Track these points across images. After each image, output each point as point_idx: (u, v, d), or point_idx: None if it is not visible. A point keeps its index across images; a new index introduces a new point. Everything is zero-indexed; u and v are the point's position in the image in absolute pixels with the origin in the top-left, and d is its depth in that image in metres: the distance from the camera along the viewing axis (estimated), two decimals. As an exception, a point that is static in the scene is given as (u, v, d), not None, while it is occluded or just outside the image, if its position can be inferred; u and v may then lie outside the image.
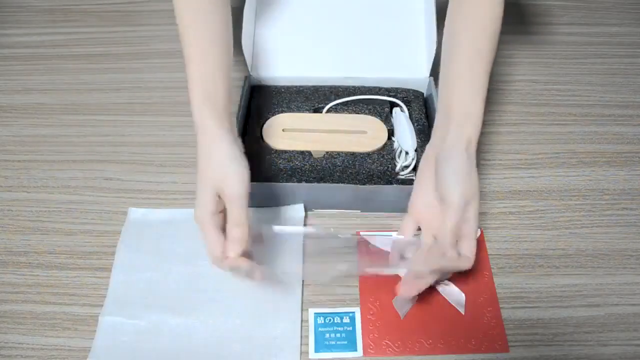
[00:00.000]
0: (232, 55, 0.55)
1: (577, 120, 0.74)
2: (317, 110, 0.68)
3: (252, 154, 0.63)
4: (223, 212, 0.49)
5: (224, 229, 0.48)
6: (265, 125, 0.65)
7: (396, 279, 0.57)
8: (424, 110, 0.67)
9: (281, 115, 0.66)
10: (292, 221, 0.61)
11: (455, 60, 0.54)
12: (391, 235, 0.55)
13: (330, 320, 0.54)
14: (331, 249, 0.58)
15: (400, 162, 0.62)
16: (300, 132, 0.64)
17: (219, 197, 0.48)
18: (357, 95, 0.69)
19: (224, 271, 0.50)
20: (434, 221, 0.50)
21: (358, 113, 0.67)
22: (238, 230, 0.47)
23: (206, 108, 0.49)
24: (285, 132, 0.64)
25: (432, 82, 0.67)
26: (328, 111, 0.68)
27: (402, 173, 0.62)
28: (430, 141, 0.54)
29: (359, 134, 0.64)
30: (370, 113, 0.66)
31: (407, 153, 0.62)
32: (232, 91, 0.53)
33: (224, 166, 0.48)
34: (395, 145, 0.64)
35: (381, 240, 0.59)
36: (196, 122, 0.50)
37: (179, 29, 0.52)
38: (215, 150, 0.49)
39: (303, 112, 0.67)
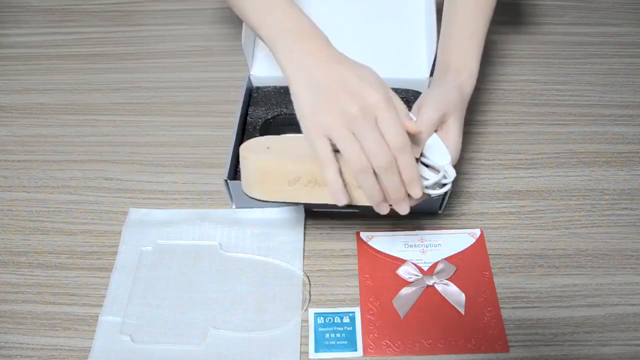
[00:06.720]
0: None
1: (577, 120, 0.74)
2: None
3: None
4: None
5: None
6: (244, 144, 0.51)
7: (396, 279, 0.57)
8: None
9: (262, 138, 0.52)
10: (292, 221, 0.61)
11: (458, 15, 0.59)
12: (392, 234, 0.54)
13: (330, 320, 0.54)
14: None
15: (431, 178, 0.49)
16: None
17: None
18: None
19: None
20: None
21: None
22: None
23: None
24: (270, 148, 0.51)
25: (432, 82, 0.66)
26: None
27: (433, 193, 0.50)
28: (427, 91, 0.56)
29: None
30: None
31: (441, 172, 0.50)
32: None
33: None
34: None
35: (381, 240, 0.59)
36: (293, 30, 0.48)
37: None
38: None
39: None
